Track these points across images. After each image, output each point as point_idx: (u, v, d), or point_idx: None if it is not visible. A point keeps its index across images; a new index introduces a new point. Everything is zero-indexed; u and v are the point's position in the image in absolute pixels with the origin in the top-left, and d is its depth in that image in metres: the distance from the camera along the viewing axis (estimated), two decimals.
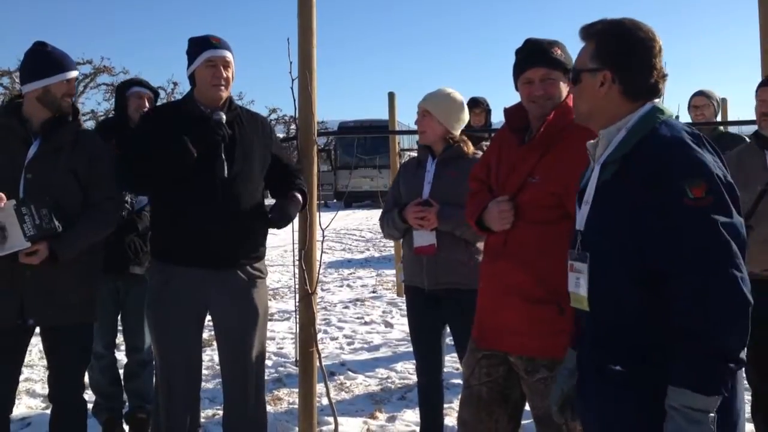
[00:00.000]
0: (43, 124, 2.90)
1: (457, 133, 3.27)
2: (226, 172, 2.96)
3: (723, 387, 1.62)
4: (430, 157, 3.29)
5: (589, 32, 1.90)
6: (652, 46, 1.83)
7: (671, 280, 1.66)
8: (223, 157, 2.95)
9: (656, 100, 1.87)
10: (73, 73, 2.99)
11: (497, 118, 4.47)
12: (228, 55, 3.04)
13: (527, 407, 2.60)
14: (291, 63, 3.38)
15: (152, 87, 3.97)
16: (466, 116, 3.30)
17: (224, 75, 3.01)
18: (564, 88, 2.49)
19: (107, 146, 3.13)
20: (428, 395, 3.39)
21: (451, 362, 4.31)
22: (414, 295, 3.33)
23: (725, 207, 1.66)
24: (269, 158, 3.18)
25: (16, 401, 4.39)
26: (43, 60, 2.91)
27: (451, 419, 3.66)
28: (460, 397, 2.69)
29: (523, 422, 2.69)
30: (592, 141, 1.93)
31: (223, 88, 3.03)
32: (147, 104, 3.80)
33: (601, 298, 1.82)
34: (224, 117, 3.00)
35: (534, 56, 2.47)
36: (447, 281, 3.14)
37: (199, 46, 3.01)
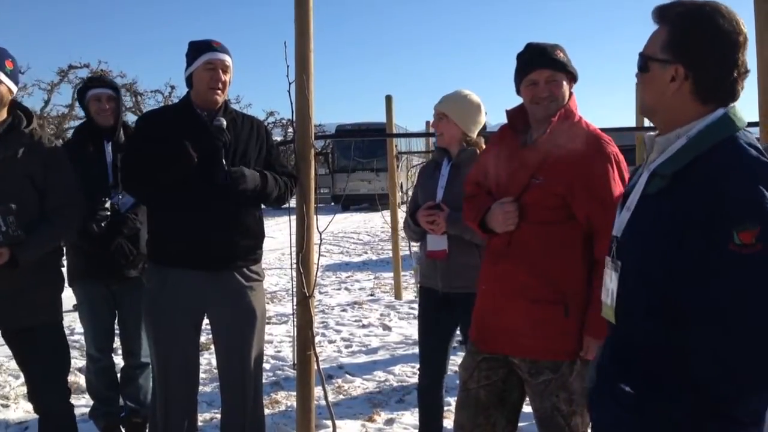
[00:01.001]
0: None
1: (474, 135, 3.26)
2: (224, 177, 2.95)
3: None
4: (446, 159, 3.29)
5: (663, 15, 1.65)
6: (736, 40, 1.57)
7: (694, 328, 1.47)
8: (224, 163, 2.95)
9: (731, 105, 1.61)
10: None
11: (495, 121, 4.48)
12: (227, 59, 3.05)
13: (526, 409, 2.60)
14: (288, 66, 3.38)
15: (110, 82, 3.86)
16: (483, 118, 3.29)
17: (222, 78, 3.02)
18: (566, 90, 2.51)
19: (65, 153, 3.03)
20: (429, 397, 3.38)
21: (452, 364, 4.30)
22: (427, 296, 3.33)
23: None
24: (264, 161, 3.18)
25: (14, 406, 4.41)
26: None
27: (450, 422, 3.66)
28: (456, 400, 2.68)
29: (523, 424, 2.69)
30: (652, 134, 1.73)
31: (219, 91, 3.03)
32: (107, 104, 3.71)
33: (624, 313, 1.67)
34: (224, 122, 3.00)
35: (538, 58, 2.48)
36: (460, 285, 3.13)
37: (199, 49, 3.02)
